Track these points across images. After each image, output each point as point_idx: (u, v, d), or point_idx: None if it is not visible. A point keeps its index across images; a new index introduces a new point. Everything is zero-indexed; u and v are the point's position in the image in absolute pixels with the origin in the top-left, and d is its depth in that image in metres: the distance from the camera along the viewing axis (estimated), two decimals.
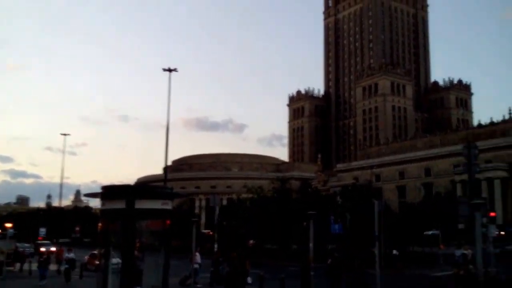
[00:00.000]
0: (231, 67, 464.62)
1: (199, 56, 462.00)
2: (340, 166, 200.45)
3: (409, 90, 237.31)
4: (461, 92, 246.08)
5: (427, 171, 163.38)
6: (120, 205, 10.72)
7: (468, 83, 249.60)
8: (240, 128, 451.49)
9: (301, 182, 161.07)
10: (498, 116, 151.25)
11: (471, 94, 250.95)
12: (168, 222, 11.62)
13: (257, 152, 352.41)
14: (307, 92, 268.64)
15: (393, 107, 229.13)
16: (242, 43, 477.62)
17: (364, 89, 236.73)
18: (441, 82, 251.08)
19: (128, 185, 11.74)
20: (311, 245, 25.21)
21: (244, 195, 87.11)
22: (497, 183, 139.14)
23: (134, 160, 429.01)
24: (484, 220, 23.13)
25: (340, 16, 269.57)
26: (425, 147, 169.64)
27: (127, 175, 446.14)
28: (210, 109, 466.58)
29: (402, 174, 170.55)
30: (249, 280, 24.44)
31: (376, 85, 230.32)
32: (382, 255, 42.29)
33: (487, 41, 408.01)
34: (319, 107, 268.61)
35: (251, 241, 73.05)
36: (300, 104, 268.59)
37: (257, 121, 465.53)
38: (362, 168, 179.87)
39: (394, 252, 45.24)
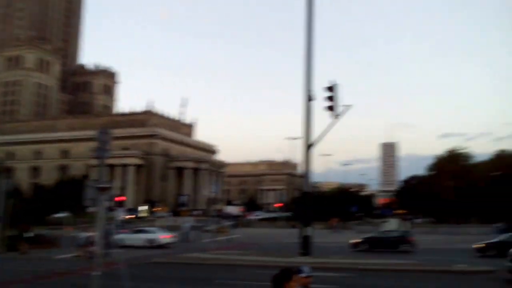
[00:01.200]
0: None
1: None
2: None
3: (56, 69, 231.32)
4: (107, 79, 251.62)
5: (65, 153, 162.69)
6: None
7: (115, 71, 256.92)
8: None
9: None
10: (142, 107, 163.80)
11: (117, 82, 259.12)
12: None
13: None
14: None
15: (37, 84, 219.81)
16: None
17: (7, 59, 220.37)
18: (91, 67, 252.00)
19: None
20: None
21: None
22: (131, 169, 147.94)
23: None
24: (110, 203, 24.18)
25: None
26: (66, 129, 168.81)
27: None
28: None
29: (39, 154, 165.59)
30: None
31: (21, 57, 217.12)
32: (7, 237, 40.12)
33: (144, 35, 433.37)
34: None
35: None
36: None
37: None
38: None
39: (30, 234, 43.52)
